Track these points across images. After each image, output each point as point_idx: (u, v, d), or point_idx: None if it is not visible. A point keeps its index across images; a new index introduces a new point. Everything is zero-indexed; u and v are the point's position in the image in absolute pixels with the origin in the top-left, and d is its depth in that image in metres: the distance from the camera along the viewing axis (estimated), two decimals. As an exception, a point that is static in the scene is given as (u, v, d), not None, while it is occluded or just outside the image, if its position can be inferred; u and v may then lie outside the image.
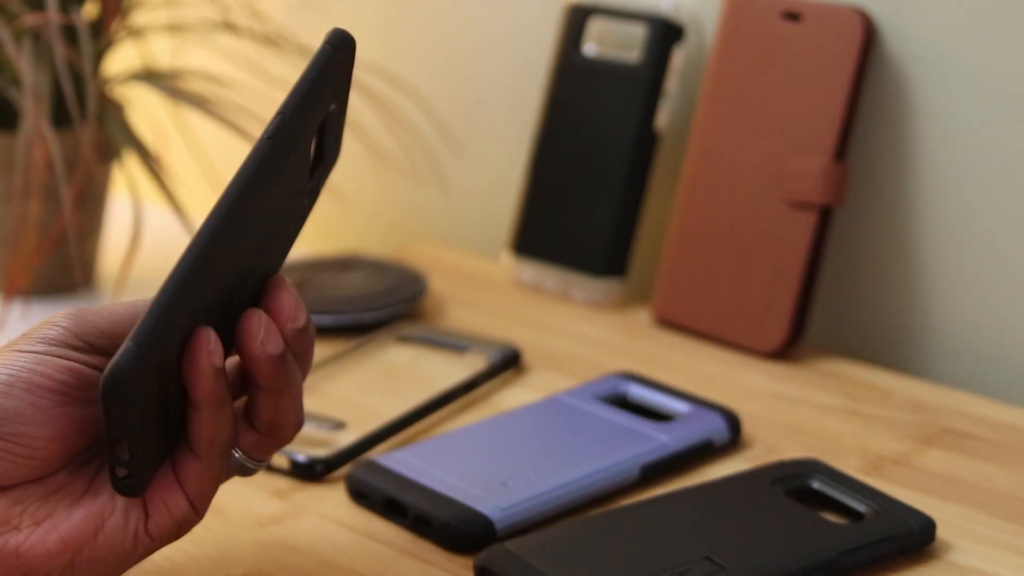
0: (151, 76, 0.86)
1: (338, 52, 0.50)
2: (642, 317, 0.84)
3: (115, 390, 0.43)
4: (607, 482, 0.61)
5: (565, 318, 0.83)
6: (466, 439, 0.65)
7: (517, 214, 0.89)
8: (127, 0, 0.86)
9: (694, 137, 0.82)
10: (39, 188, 0.78)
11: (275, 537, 0.58)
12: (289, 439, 0.51)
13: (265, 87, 0.90)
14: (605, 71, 0.86)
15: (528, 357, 0.76)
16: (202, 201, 0.95)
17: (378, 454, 0.63)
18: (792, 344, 0.78)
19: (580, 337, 0.81)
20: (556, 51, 0.88)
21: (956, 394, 0.74)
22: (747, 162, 0.79)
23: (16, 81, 0.80)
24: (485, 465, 0.61)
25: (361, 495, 0.60)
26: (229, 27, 0.88)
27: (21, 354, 0.47)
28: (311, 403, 0.63)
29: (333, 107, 0.51)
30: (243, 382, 0.50)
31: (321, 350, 0.72)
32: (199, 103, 0.83)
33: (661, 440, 0.64)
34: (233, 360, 0.50)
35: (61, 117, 0.81)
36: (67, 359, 0.47)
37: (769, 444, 0.67)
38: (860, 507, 0.58)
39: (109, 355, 0.47)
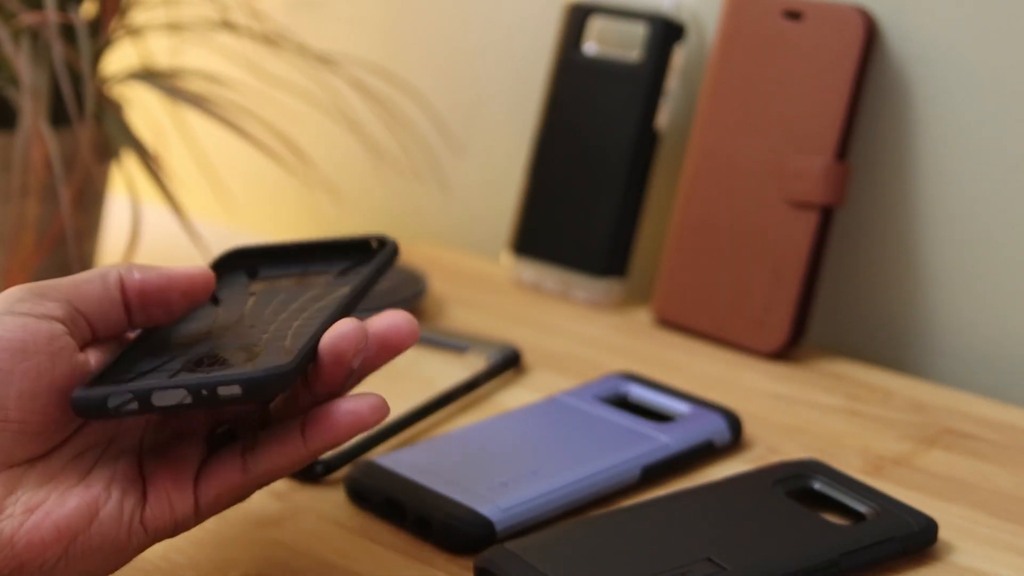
0: (150, 75, 0.86)
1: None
2: (642, 317, 0.84)
3: (264, 388, 0.46)
4: (608, 483, 0.61)
5: (565, 318, 0.83)
6: (466, 440, 0.64)
7: (517, 214, 0.89)
8: (125, -1, 0.85)
9: (695, 136, 0.82)
10: (37, 188, 0.78)
11: (274, 538, 0.58)
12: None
13: (264, 87, 0.90)
14: (605, 70, 0.86)
15: (528, 357, 0.76)
16: (201, 201, 0.95)
17: (378, 455, 0.63)
18: (793, 344, 0.77)
19: (580, 337, 0.80)
20: (556, 50, 0.88)
21: (957, 394, 0.74)
22: (748, 161, 0.79)
23: (14, 80, 0.80)
24: (485, 466, 0.61)
25: (360, 496, 0.60)
26: (228, 26, 0.88)
27: None
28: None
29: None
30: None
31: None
32: (198, 102, 0.83)
33: (662, 441, 0.64)
34: None
35: (59, 116, 0.81)
36: (16, 315, 0.47)
37: (770, 444, 0.67)
38: (861, 508, 0.58)
39: (60, 308, 0.48)
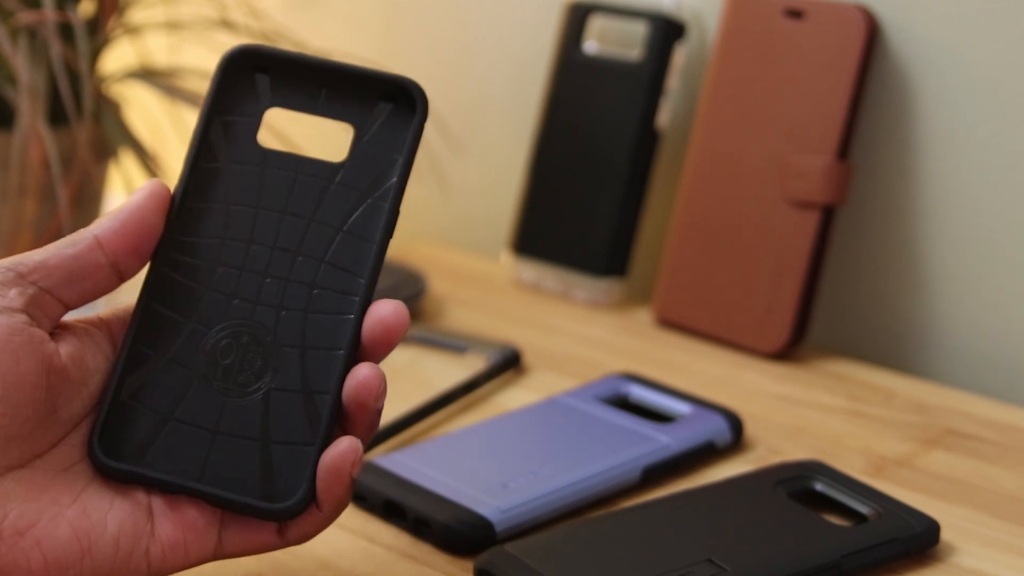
0: (148, 74, 0.86)
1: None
2: (643, 317, 0.83)
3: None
4: (608, 484, 0.60)
5: (565, 318, 0.83)
6: (466, 441, 0.64)
7: (517, 213, 0.89)
8: (124, -3, 0.85)
9: (695, 136, 0.81)
10: (35, 187, 0.78)
11: (273, 539, 0.58)
12: None
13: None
14: (606, 69, 0.86)
15: (528, 358, 0.76)
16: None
17: (377, 456, 0.62)
18: (794, 344, 0.77)
19: (581, 337, 0.80)
20: (556, 49, 0.88)
21: (960, 395, 0.73)
22: (749, 161, 0.79)
23: (12, 79, 0.80)
24: (485, 467, 0.61)
25: (360, 497, 0.60)
26: (226, 25, 0.87)
27: None
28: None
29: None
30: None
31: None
32: (196, 101, 0.83)
33: (663, 441, 0.63)
34: None
35: (57, 115, 0.81)
36: None
37: (771, 445, 0.66)
38: (863, 509, 0.58)
39: (20, 296, 0.46)
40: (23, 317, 0.45)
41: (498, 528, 0.57)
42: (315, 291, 0.49)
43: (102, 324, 0.49)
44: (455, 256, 0.94)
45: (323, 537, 0.57)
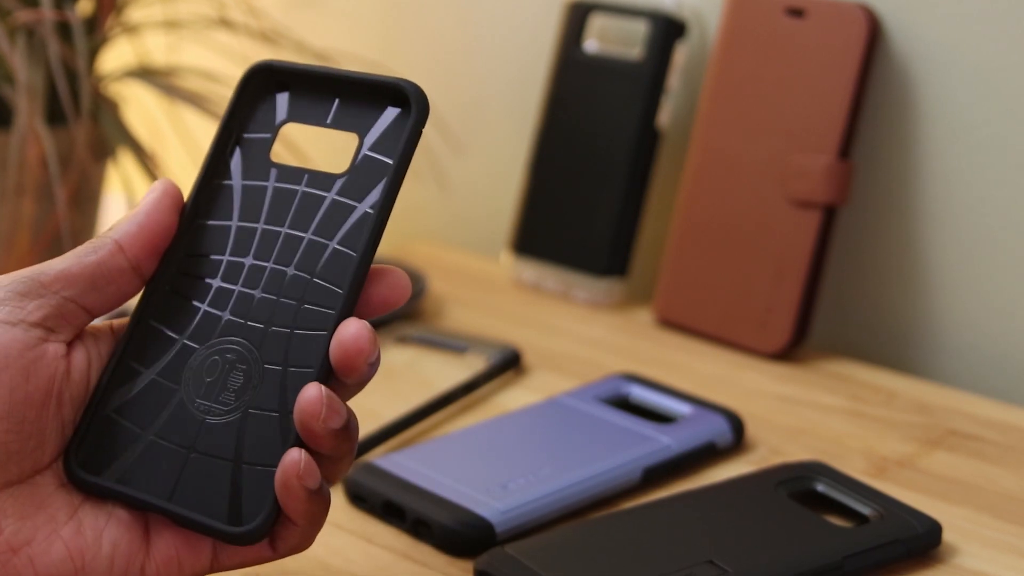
0: (146, 73, 0.86)
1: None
2: (644, 317, 0.83)
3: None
4: (609, 485, 0.60)
5: (566, 318, 0.83)
6: (466, 441, 0.64)
7: (517, 213, 0.89)
8: (122, -4, 0.85)
9: (696, 135, 0.81)
10: (33, 187, 0.77)
11: (271, 541, 0.57)
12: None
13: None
14: (606, 68, 0.85)
15: (528, 358, 0.76)
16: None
17: (377, 456, 0.62)
18: (795, 345, 0.77)
19: (581, 338, 0.80)
20: (557, 48, 0.87)
21: (961, 395, 0.73)
22: (750, 160, 0.79)
23: (10, 78, 0.80)
24: (485, 468, 0.61)
25: (359, 498, 0.60)
26: (225, 23, 0.87)
27: None
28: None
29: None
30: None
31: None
32: (195, 100, 0.83)
33: (663, 442, 0.63)
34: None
35: (55, 115, 0.80)
36: None
37: (773, 446, 0.66)
38: (865, 510, 0.58)
39: (42, 308, 0.46)
40: (38, 332, 0.45)
41: (498, 529, 0.56)
42: (302, 307, 0.47)
43: (113, 335, 0.49)
44: (455, 256, 0.94)
45: (323, 538, 0.57)
